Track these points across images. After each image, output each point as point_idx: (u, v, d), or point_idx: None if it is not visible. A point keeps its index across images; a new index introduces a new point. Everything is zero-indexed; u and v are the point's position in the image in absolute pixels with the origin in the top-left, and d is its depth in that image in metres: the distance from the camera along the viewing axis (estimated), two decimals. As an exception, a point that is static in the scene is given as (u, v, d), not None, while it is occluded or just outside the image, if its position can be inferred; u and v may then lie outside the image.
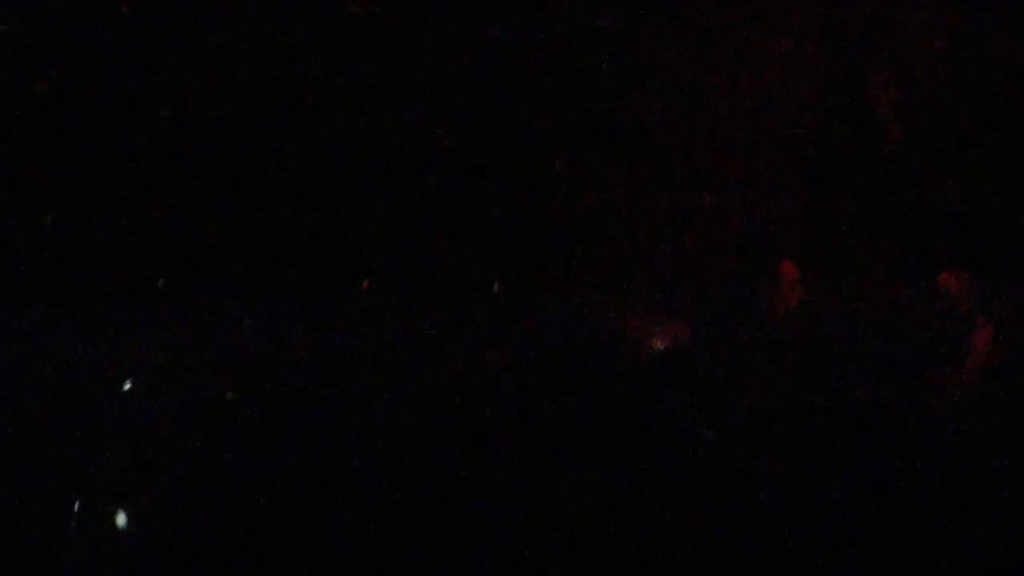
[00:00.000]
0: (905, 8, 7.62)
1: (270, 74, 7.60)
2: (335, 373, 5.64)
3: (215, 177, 7.38)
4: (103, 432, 5.21)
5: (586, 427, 5.11)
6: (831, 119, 7.61)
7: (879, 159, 7.47)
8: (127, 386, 5.43)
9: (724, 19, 7.83)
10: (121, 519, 4.80)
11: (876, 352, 5.60)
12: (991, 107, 7.37)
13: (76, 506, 4.82)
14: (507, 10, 7.76)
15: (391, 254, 7.33)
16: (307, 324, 6.41)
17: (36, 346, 6.05)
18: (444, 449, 5.02)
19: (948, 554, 4.02)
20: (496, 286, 6.86)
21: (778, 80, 7.71)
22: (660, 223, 7.35)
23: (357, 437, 5.09)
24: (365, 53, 7.73)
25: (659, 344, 5.84)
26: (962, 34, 7.45)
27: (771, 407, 5.30)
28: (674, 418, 5.12)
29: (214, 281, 7.18)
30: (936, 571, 4.03)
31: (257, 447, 5.09)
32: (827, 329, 5.85)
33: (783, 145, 7.59)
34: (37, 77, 7.42)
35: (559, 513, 4.77)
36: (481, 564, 4.56)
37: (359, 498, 4.78)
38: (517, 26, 7.76)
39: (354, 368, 5.74)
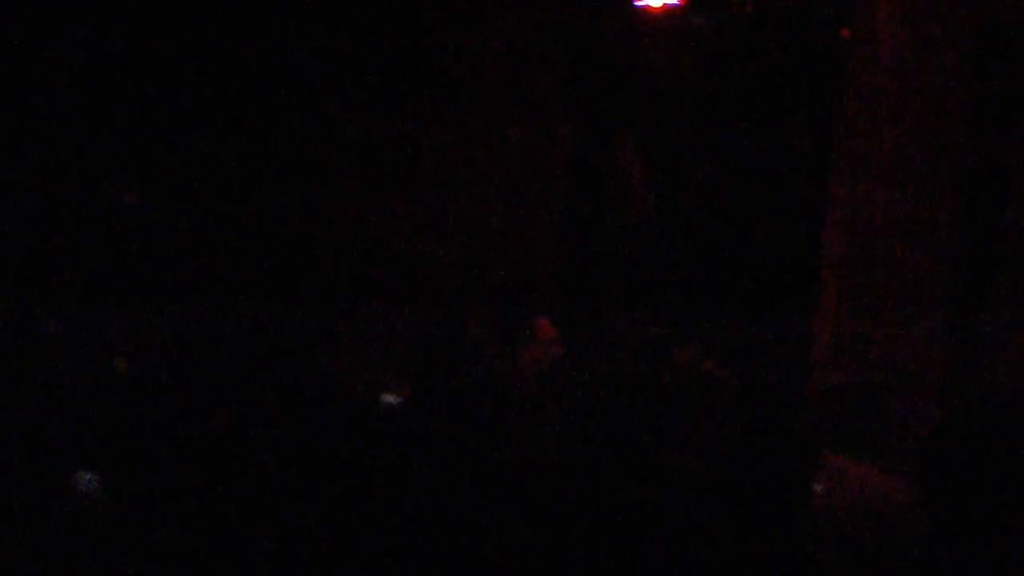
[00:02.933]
0: (652, 76, 7.84)
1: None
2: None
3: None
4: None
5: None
6: (581, 186, 7.74)
7: (628, 226, 7.62)
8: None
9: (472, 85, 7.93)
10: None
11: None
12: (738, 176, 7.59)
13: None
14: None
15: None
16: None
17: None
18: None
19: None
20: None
21: (531, 147, 7.82)
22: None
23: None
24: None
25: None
26: (714, 103, 7.69)
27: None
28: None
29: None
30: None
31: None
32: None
33: (537, 210, 7.69)
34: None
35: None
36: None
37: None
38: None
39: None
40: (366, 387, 5.82)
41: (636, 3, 7.58)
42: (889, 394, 5.04)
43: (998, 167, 6.69)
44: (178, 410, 5.05)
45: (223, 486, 4.67)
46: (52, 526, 4.42)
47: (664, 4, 7.53)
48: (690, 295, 7.33)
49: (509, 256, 7.76)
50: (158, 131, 7.79)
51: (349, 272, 7.80)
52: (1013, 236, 6.63)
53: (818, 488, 3.98)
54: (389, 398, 5.51)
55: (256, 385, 5.39)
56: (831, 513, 4.01)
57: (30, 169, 7.61)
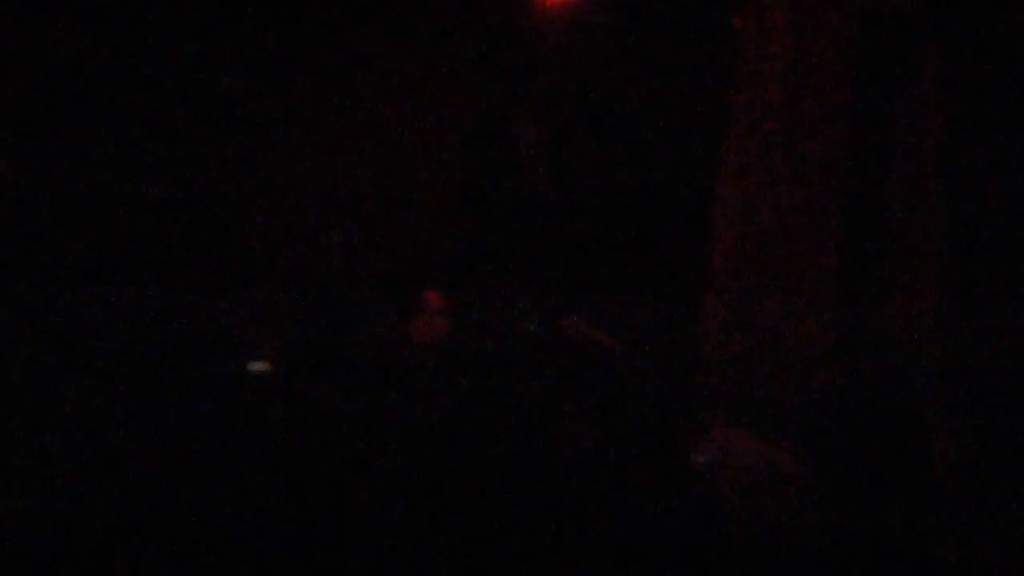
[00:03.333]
0: (552, 57, 7.86)
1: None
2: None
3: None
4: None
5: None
6: (483, 163, 7.73)
7: (525, 204, 7.64)
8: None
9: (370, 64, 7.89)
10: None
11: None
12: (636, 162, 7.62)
13: None
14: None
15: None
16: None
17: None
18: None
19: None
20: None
21: (427, 121, 7.80)
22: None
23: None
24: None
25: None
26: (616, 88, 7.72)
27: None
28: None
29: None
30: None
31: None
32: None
33: (432, 186, 7.68)
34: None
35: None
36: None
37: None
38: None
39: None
40: (244, 356, 5.73)
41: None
42: (776, 365, 5.10)
43: (881, 148, 6.82)
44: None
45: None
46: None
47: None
48: (584, 268, 7.35)
49: (403, 228, 7.73)
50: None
51: (235, 242, 7.70)
52: (896, 212, 6.76)
53: (703, 459, 3.98)
54: (260, 366, 5.42)
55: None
56: (719, 483, 4.00)
57: None
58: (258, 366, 5.35)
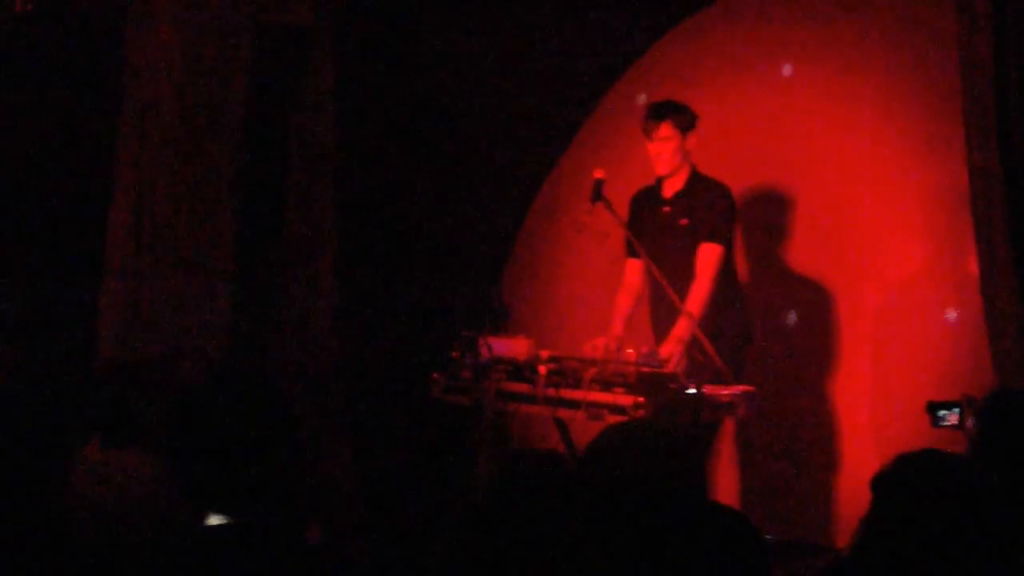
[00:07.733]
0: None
1: None
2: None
3: None
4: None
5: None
6: None
7: None
8: None
9: None
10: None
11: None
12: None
13: None
14: None
15: None
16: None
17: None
18: None
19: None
20: None
21: None
22: None
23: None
24: None
25: None
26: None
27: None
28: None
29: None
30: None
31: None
32: None
33: None
34: None
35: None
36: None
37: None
38: None
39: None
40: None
41: None
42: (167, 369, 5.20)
43: (277, 149, 7.03)
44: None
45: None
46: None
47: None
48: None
49: None
50: None
51: None
52: (292, 212, 7.00)
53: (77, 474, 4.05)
54: None
55: None
56: (89, 500, 4.08)
57: None
58: None
